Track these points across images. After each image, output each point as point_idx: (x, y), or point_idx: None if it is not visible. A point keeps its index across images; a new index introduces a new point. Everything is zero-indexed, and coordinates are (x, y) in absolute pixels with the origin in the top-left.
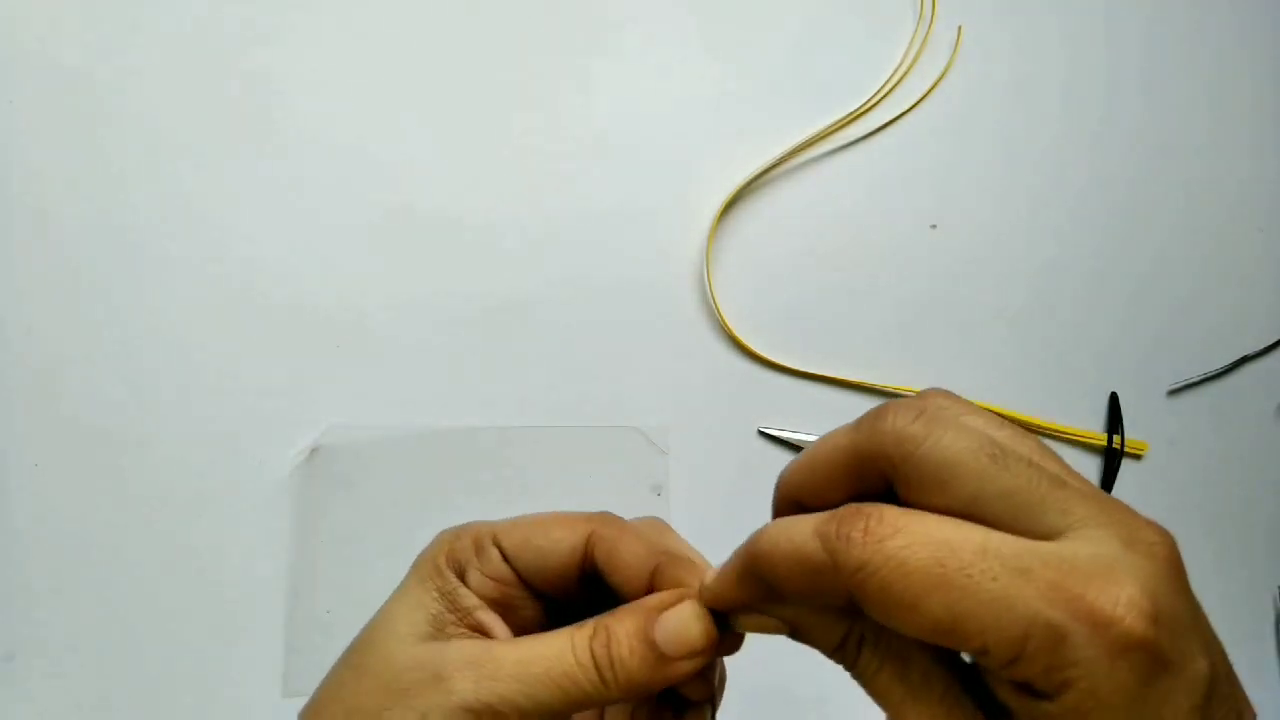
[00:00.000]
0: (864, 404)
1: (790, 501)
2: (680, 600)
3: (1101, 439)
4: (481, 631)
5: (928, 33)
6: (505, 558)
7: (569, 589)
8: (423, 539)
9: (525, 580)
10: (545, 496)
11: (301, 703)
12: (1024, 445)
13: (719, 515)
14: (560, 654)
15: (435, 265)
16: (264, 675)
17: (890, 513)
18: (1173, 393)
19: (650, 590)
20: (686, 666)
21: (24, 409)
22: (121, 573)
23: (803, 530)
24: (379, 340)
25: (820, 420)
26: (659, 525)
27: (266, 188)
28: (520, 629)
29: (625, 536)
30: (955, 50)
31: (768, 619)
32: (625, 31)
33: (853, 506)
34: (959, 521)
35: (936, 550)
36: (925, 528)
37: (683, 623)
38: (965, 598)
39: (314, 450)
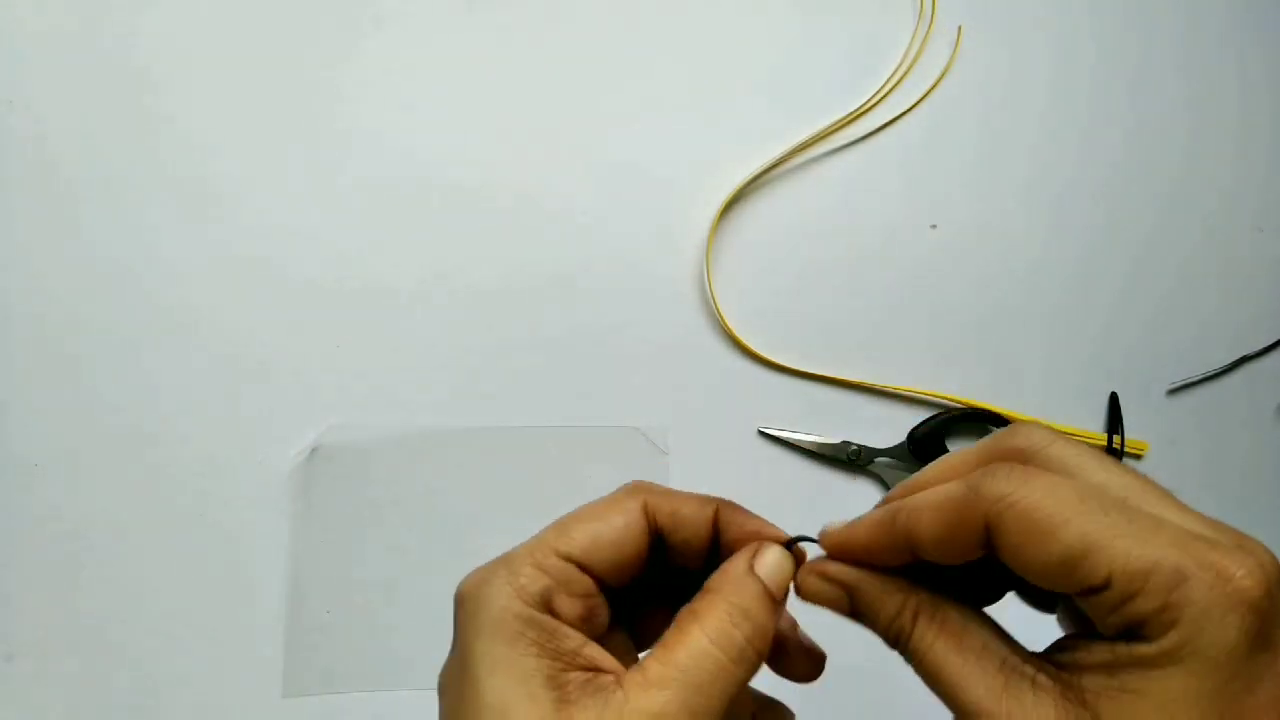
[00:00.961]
0: (864, 404)
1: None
2: (758, 548)
3: (1101, 439)
4: (594, 669)
5: (928, 33)
6: (581, 567)
7: (639, 571)
8: (423, 538)
9: (603, 581)
10: (545, 496)
11: (303, 702)
12: (1122, 482)
13: None
14: (703, 657)
15: (436, 265)
16: (264, 675)
17: (1027, 465)
18: (1173, 393)
19: (715, 536)
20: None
21: (24, 409)
22: (121, 573)
23: (948, 485)
24: (380, 340)
25: (820, 420)
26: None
27: (268, 188)
28: (602, 634)
29: (674, 497)
30: (955, 50)
31: (833, 587)
32: (625, 32)
33: (997, 467)
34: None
35: (1078, 489)
36: (1095, 481)
37: (777, 561)
38: (1102, 530)
39: (314, 450)
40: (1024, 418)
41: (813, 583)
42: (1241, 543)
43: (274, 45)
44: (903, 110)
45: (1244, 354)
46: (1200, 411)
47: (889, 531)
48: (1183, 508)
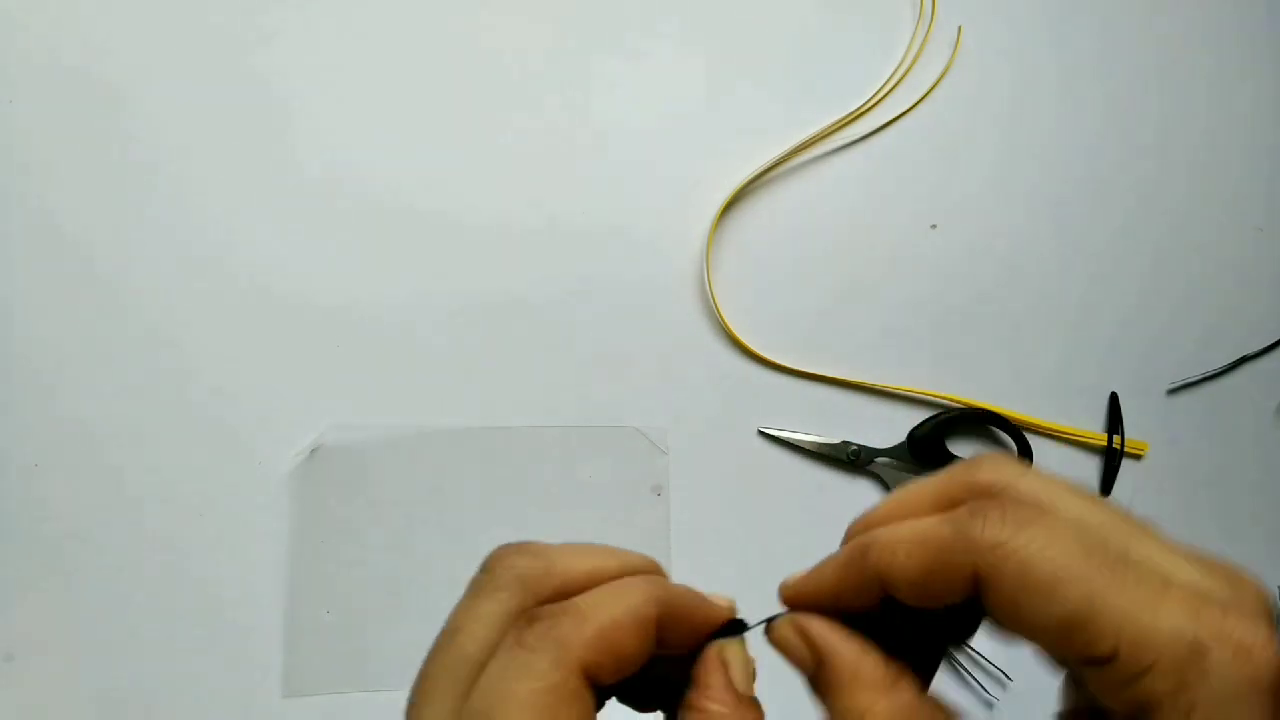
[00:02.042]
0: (864, 404)
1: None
2: (724, 654)
3: (1101, 439)
4: None
5: (928, 33)
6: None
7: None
8: (423, 539)
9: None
10: (545, 496)
11: (303, 702)
12: (1102, 519)
13: (719, 515)
14: None
15: (436, 265)
16: (264, 675)
17: (1027, 502)
18: (1172, 392)
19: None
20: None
21: (24, 409)
22: (121, 573)
23: (925, 521)
24: (379, 340)
25: (820, 420)
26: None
27: (267, 188)
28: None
29: (685, 620)
30: (955, 50)
31: (800, 642)
32: (625, 32)
33: (985, 498)
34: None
35: (1085, 538)
36: (1071, 517)
37: (742, 659)
38: (1110, 591)
39: (314, 450)
40: (1024, 418)
41: (787, 634)
42: (1239, 591)
43: (273, 54)
44: (903, 110)
45: (1244, 354)
46: (1200, 411)
47: (858, 570)
48: (1167, 545)
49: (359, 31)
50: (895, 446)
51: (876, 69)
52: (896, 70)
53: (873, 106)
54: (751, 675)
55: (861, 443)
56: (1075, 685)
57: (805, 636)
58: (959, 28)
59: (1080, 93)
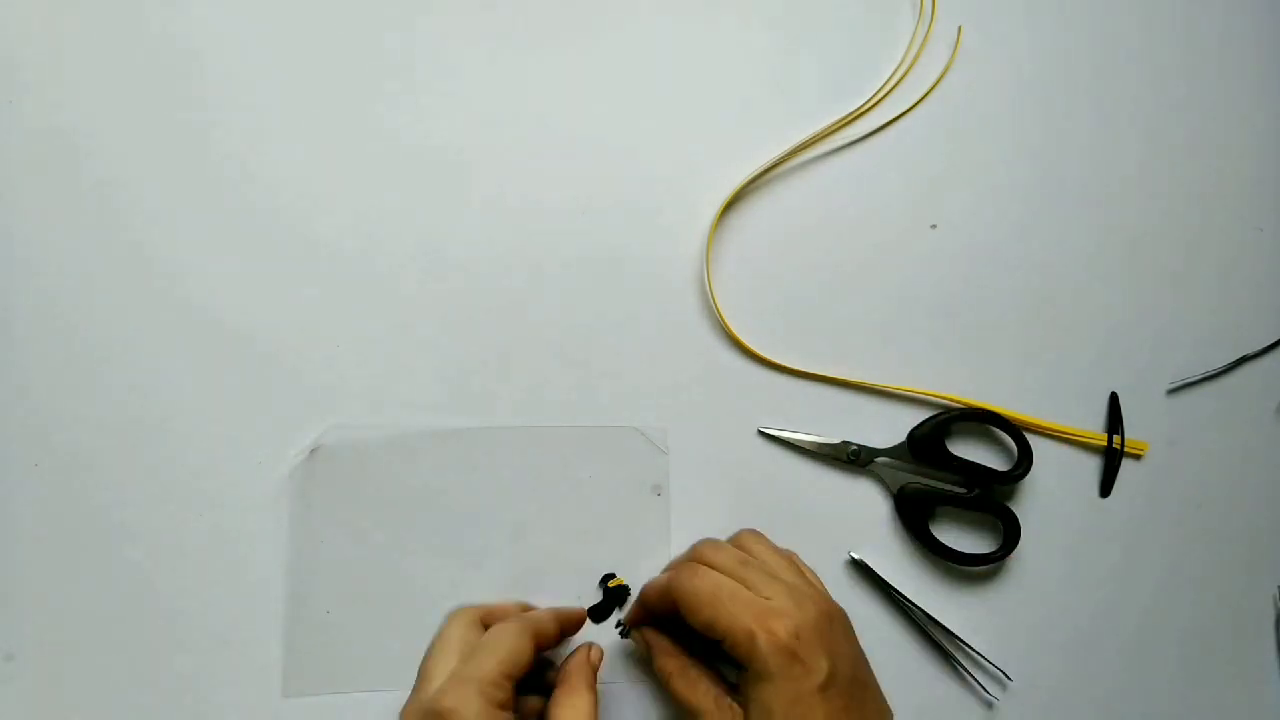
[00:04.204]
0: (864, 404)
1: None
2: (590, 650)
3: (1101, 439)
4: None
5: (928, 33)
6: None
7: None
8: (423, 539)
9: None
10: (545, 496)
11: (303, 702)
12: (746, 572)
13: (719, 515)
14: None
15: (435, 268)
16: (264, 675)
17: (701, 566)
18: (1172, 392)
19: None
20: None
21: (24, 409)
22: (121, 573)
23: (663, 577)
24: (379, 340)
25: (820, 420)
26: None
27: (265, 189)
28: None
29: (542, 626)
30: (955, 50)
31: (641, 640)
32: (624, 32)
33: (689, 564)
34: (734, 580)
35: (714, 587)
36: (714, 575)
37: (601, 652)
38: (720, 610)
39: (314, 450)
40: (1024, 418)
41: (636, 638)
42: (793, 604)
43: (264, 55)
44: (903, 110)
45: (1244, 354)
46: (1200, 411)
47: (644, 607)
48: (779, 577)
49: (356, 30)
50: (895, 446)
51: (877, 68)
52: (896, 70)
53: (873, 106)
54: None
55: (861, 443)
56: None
57: (643, 636)
58: (959, 28)
59: (1080, 92)
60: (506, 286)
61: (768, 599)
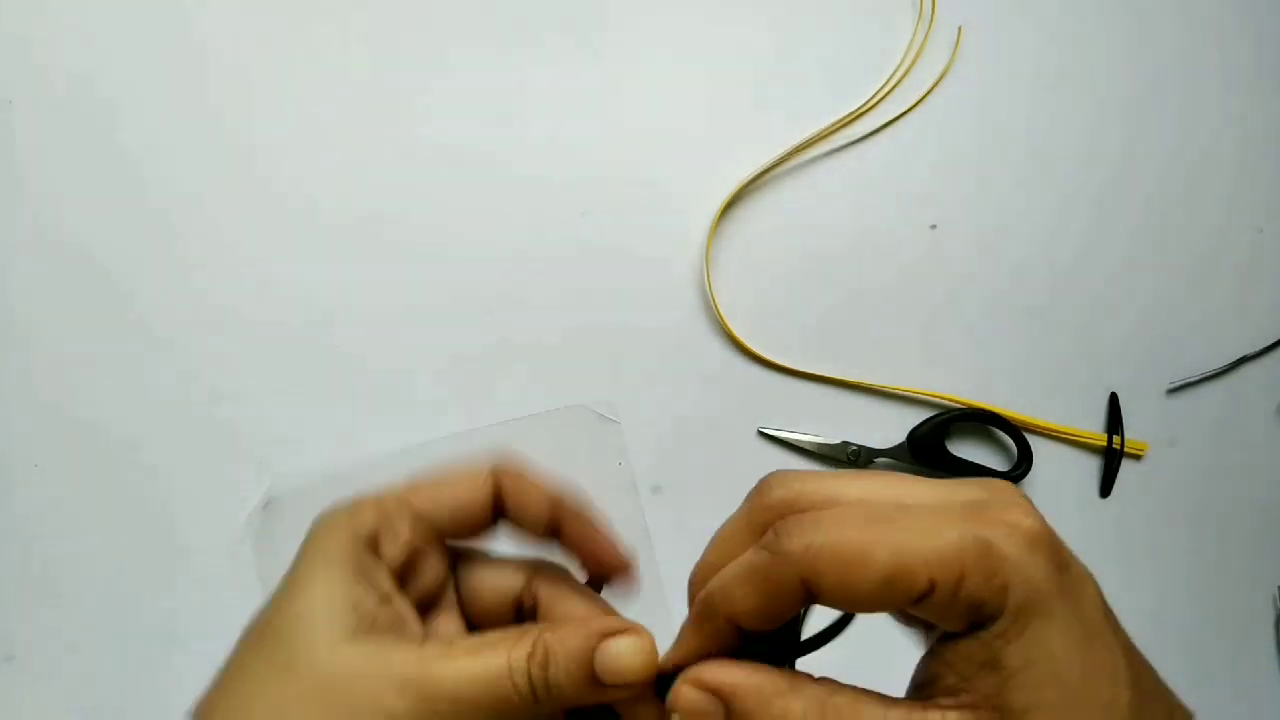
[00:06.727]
0: (864, 404)
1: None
2: (626, 632)
3: (1101, 439)
4: (400, 623)
5: (928, 33)
6: (421, 517)
7: (482, 534)
8: None
9: (440, 535)
10: None
11: None
12: (873, 485)
13: (719, 515)
14: (498, 678)
15: (435, 263)
16: None
17: (817, 502)
18: (1172, 392)
19: (553, 531)
20: (620, 694)
21: (24, 409)
22: (121, 573)
23: (744, 556)
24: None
25: (820, 420)
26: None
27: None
28: (428, 587)
29: (525, 483)
30: (955, 50)
31: (703, 696)
32: (625, 32)
33: (793, 519)
34: (869, 498)
35: (866, 511)
36: (851, 507)
37: (624, 655)
38: (905, 538)
39: (266, 504)
40: (1024, 418)
41: (689, 695)
42: (992, 491)
43: (253, 57)
44: (903, 110)
45: (1244, 354)
46: (1200, 411)
47: (713, 624)
48: (923, 480)
49: (359, 31)
50: (895, 446)
51: (876, 69)
52: (896, 70)
53: (873, 106)
54: (627, 668)
55: (861, 443)
56: (924, 629)
57: (703, 685)
58: (959, 28)
59: (1080, 93)
60: (506, 287)
61: (963, 498)
